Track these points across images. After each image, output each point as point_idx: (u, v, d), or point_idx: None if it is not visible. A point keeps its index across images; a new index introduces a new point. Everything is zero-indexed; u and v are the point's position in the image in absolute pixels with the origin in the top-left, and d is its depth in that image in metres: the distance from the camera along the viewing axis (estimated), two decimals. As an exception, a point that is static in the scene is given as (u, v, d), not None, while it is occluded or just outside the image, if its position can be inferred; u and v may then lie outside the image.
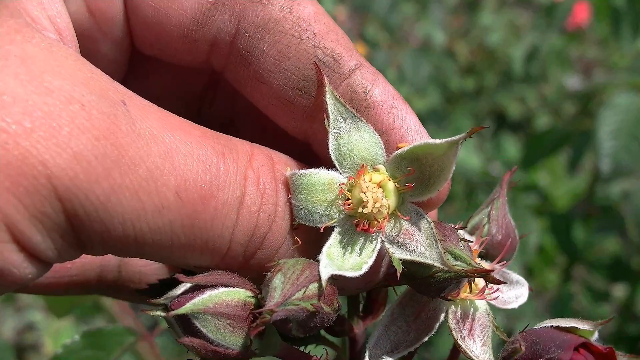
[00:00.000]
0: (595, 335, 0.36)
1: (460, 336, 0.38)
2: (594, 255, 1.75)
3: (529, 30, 2.37)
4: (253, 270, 0.36)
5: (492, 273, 0.35)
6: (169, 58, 0.41)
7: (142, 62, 0.42)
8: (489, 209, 0.43)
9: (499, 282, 0.34)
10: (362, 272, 0.35)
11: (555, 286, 1.77)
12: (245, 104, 0.43)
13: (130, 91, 0.33)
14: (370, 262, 0.35)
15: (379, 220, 0.35)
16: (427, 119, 2.06)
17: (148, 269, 0.48)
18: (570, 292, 1.61)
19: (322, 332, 0.42)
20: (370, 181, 0.36)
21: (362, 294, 0.44)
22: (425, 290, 0.36)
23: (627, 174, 1.38)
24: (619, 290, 1.87)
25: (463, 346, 0.38)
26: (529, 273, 1.73)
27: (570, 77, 2.48)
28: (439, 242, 0.35)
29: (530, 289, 0.43)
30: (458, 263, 0.35)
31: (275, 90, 0.38)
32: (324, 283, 0.34)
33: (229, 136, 0.36)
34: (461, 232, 0.38)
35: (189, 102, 0.46)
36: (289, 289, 0.33)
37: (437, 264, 0.34)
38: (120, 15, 0.38)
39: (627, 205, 1.62)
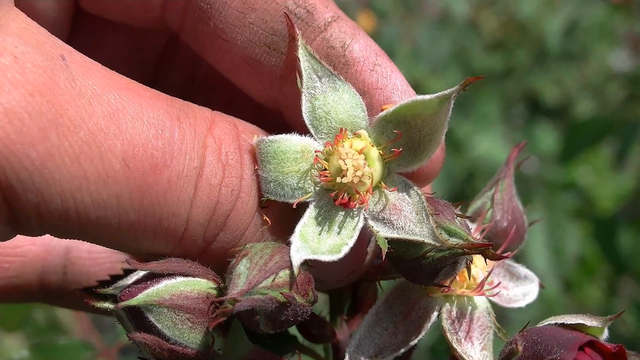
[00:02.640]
0: (606, 333, 0.37)
1: (456, 339, 0.38)
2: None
3: (567, 0, 2.37)
4: (216, 257, 0.37)
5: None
6: (118, 16, 0.41)
7: (89, 24, 0.43)
8: (492, 191, 0.43)
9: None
10: (340, 255, 0.35)
11: (597, 303, 1.77)
12: (208, 73, 0.43)
13: (70, 47, 0.34)
14: (351, 243, 0.36)
15: (361, 192, 0.36)
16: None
17: (98, 270, 0.48)
18: (615, 310, 1.60)
19: (301, 339, 0.42)
20: (350, 147, 0.36)
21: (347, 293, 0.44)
22: (416, 275, 0.36)
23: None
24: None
25: (459, 350, 0.38)
26: (566, 287, 1.73)
27: (617, 55, 2.48)
28: (430, 217, 0.35)
29: (541, 286, 0.43)
30: (453, 239, 0.35)
31: (240, 48, 0.39)
32: (295, 270, 0.34)
33: (186, 101, 0.36)
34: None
35: (143, 72, 0.47)
36: (256, 276, 0.34)
37: (428, 240, 0.34)
38: None
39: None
